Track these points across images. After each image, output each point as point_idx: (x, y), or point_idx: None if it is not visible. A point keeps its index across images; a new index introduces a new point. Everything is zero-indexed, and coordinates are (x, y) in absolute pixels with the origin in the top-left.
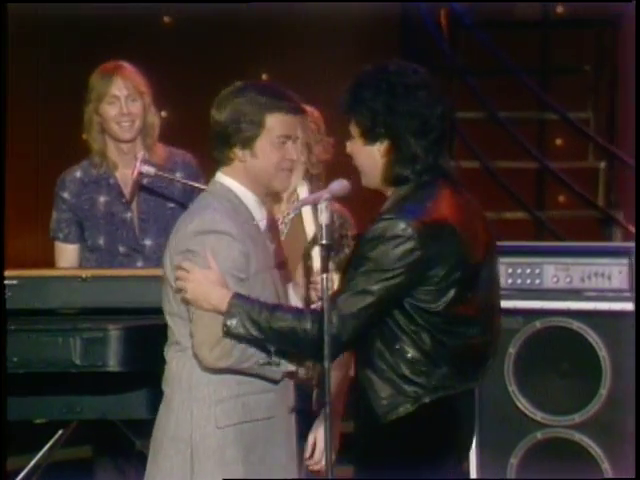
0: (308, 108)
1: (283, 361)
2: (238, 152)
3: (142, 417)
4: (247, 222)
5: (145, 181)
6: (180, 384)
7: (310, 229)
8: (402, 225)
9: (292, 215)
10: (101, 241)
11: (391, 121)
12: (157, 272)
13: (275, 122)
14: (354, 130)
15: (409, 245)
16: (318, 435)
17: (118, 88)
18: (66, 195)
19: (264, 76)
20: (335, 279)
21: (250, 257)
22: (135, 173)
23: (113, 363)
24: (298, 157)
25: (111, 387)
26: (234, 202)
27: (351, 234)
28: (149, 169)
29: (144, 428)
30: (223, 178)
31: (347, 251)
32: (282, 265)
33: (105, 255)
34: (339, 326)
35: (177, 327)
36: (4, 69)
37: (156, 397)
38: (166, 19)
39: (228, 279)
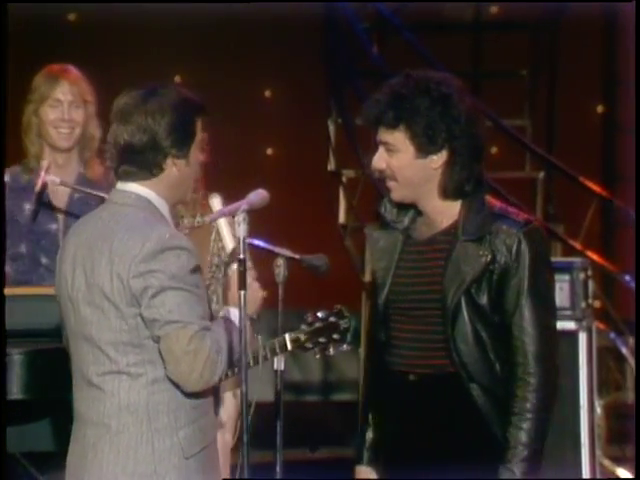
0: None
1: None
2: (177, 162)
3: (47, 450)
4: None
5: (77, 195)
6: (135, 415)
7: (229, 241)
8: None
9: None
10: (23, 249)
11: (451, 131)
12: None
13: (200, 127)
14: (402, 143)
15: None
16: None
17: (63, 92)
18: None
19: (177, 78)
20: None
21: (200, 270)
22: (39, 184)
23: (17, 390)
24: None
25: (13, 417)
26: (156, 214)
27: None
28: (54, 179)
29: (48, 462)
30: (136, 187)
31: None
32: None
33: (27, 264)
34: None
35: (124, 356)
36: (4, 69)
37: (62, 428)
38: (71, 17)
39: (192, 298)
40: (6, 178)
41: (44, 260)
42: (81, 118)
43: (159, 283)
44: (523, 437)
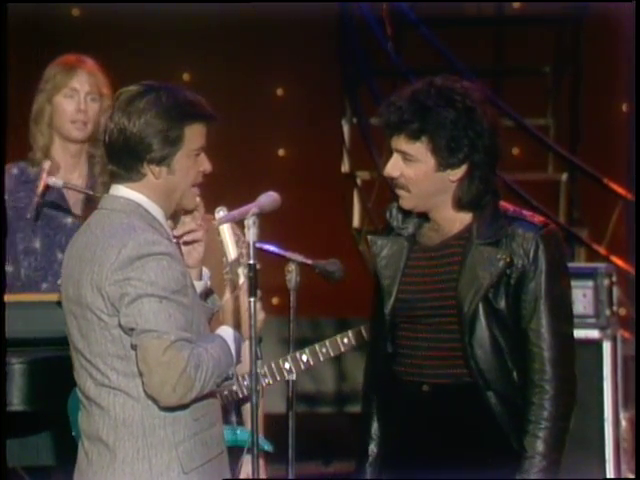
0: None
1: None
2: (154, 168)
3: (49, 464)
4: (167, 238)
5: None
6: (130, 430)
7: (231, 247)
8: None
9: None
10: (37, 244)
11: (474, 145)
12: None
13: (193, 134)
14: (423, 154)
15: None
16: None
17: (80, 82)
18: None
19: (185, 75)
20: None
21: (186, 276)
22: (41, 185)
23: (17, 401)
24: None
25: (13, 429)
26: (147, 218)
27: (245, 252)
28: (57, 181)
29: (50, 476)
30: (126, 192)
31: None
32: None
33: (41, 260)
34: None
35: (112, 369)
36: (4, 69)
37: (65, 441)
38: (75, 12)
39: (171, 306)
40: (14, 170)
41: (60, 256)
42: (96, 111)
43: (135, 291)
44: (541, 447)
